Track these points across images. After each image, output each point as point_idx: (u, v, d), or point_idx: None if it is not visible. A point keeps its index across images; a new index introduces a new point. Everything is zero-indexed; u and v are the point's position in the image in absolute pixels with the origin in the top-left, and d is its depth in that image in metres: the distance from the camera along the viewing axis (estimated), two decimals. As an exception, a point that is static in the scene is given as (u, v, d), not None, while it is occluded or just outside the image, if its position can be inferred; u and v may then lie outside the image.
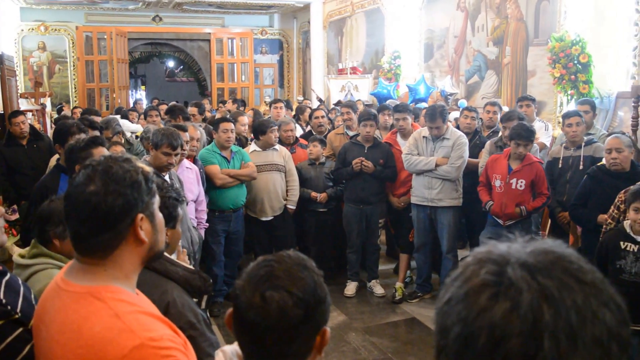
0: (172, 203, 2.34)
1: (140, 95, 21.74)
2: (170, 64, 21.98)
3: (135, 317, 1.36)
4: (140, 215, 1.41)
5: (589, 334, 0.65)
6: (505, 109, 6.75)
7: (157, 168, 3.98)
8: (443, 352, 0.72)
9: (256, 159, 5.49)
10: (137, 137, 6.84)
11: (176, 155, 4.01)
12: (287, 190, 5.63)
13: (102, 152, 3.27)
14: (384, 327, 4.95)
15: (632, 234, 3.41)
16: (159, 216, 1.51)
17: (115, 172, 1.40)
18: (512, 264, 0.69)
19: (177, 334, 1.44)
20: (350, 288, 5.66)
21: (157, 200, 1.50)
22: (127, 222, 1.40)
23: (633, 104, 5.37)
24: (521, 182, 4.66)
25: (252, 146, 5.63)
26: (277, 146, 5.63)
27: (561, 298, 0.66)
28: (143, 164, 1.50)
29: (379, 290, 5.65)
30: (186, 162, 4.63)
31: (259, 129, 5.59)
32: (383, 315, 5.22)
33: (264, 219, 5.51)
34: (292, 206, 5.66)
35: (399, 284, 5.58)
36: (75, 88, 13.94)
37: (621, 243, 3.43)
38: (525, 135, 4.61)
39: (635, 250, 3.37)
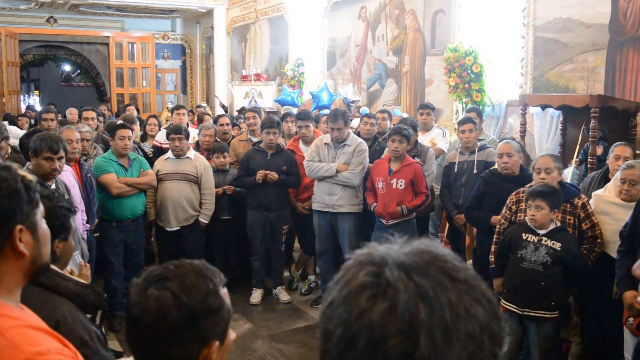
0: (64, 213, 2.21)
1: (33, 101, 20.53)
2: (67, 67, 20.88)
3: (19, 332, 1.28)
4: (19, 227, 1.33)
5: (462, 330, 0.67)
6: (405, 115, 7.00)
7: (41, 177, 3.73)
8: (326, 356, 0.72)
9: (166, 166, 5.35)
10: None
11: (60, 159, 3.78)
12: (201, 202, 5.44)
13: None
14: (290, 334, 4.94)
15: (532, 226, 3.68)
16: (43, 227, 1.41)
17: None
18: (389, 265, 0.70)
19: (67, 346, 1.37)
20: (256, 296, 5.61)
21: (40, 210, 1.40)
22: (4, 234, 1.31)
23: (521, 112, 5.71)
24: (401, 181, 4.88)
25: (168, 153, 5.46)
26: (193, 155, 5.45)
27: (436, 296, 0.67)
28: (25, 172, 1.40)
29: (284, 296, 5.65)
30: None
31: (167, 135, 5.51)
32: (289, 321, 5.21)
33: (169, 229, 5.33)
34: (204, 220, 5.43)
35: (295, 272, 6.01)
36: (-41, 92, 12.96)
37: (523, 235, 3.70)
38: (400, 131, 4.84)
39: (535, 241, 3.64)
